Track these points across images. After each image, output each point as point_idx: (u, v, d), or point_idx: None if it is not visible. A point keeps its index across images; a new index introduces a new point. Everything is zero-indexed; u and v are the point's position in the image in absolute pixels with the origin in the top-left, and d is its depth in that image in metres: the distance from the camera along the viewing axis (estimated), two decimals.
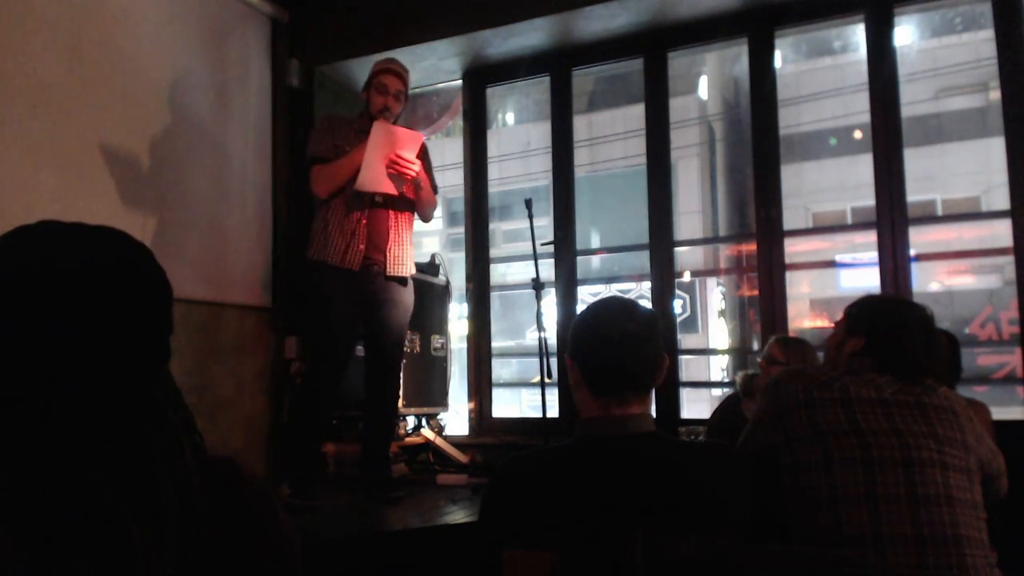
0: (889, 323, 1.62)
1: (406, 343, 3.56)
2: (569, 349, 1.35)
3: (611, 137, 10.54)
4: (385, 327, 2.98)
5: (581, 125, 7.26)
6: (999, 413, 2.45)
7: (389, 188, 2.94)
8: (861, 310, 1.68)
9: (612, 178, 10.72)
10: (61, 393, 0.68)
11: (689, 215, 10.94)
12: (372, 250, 2.93)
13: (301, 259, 3.06)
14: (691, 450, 1.34)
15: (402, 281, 3.02)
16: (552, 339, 3.59)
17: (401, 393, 3.53)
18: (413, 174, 2.92)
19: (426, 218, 3.15)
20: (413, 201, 3.04)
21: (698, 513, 1.19)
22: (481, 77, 4.05)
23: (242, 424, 3.43)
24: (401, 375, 3.27)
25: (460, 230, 4.27)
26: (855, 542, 1.39)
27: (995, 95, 5.06)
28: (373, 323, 2.98)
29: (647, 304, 3.90)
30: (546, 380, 3.02)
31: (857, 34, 3.37)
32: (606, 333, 1.29)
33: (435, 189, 3.14)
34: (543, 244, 3.32)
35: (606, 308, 1.34)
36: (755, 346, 4.00)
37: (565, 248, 3.80)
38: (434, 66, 3.98)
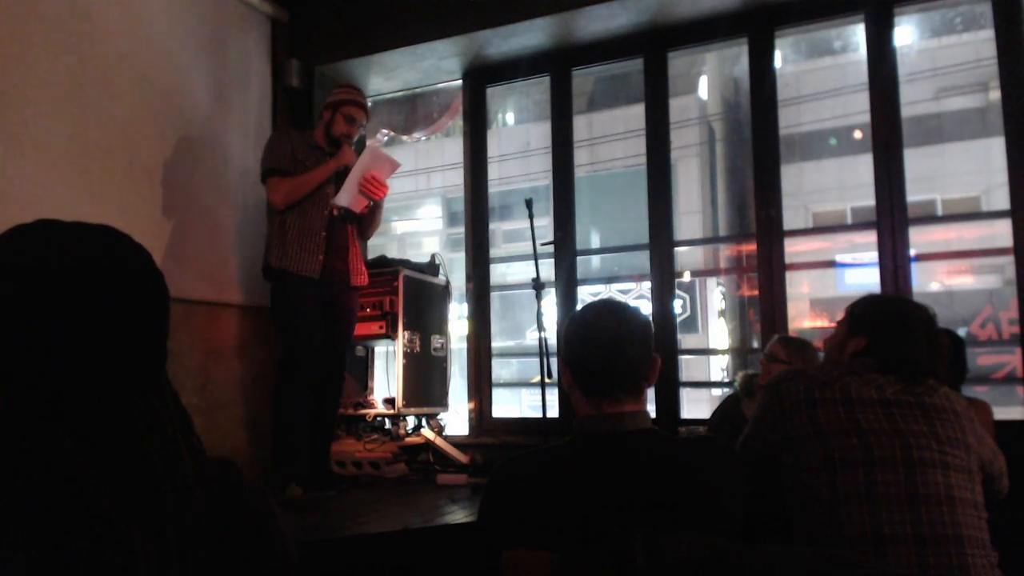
0: (892, 323, 1.61)
1: (405, 343, 3.58)
2: (561, 352, 1.37)
3: (611, 137, 10.52)
4: (344, 339, 3.19)
5: (581, 125, 7.25)
6: (999, 413, 2.45)
7: (359, 206, 3.11)
8: (863, 310, 1.68)
9: (612, 178, 10.69)
10: (57, 395, 0.67)
11: (689, 215, 10.92)
12: (333, 260, 3.09)
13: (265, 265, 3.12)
14: (685, 445, 1.34)
15: (359, 291, 3.25)
16: (552, 339, 3.58)
17: (401, 393, 3.54)
18: (381, 196, 3.11)
19: (368, 236, 3.40)
20: (363, 217, 3.21)
21: (693, 507, 1.20)
22: (481, 77, 4.05)
23: (242, 424, 3.43)
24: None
25: (460, 230, 4.27)
26: (856, 542, 1.39)
27: (995, 95, 5.05)
28: (334, 333, 3.12)
29: (645, 305, 3.88)
30: (546, 380, 3.02)
31: (857, 34, 3.36)
32: (593, 336, 1.32)
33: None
34: (543, 244, 3.32)
35: (594, 311, 1.36)
36: (755, 346, 3.99)
37: (565, 248, 3.80)
38: (434, 66, 3.98)
